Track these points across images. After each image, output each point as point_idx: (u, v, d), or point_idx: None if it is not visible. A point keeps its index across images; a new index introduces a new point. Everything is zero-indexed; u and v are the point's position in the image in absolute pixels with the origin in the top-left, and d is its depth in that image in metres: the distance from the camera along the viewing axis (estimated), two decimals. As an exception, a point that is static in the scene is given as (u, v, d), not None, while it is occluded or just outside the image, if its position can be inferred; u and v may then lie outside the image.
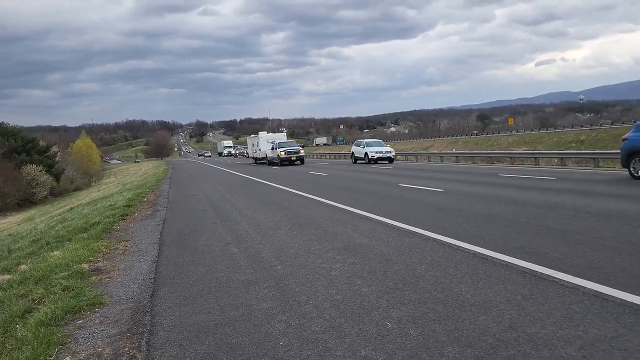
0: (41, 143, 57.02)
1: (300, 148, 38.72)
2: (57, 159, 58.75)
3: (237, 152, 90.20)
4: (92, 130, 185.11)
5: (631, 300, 3.82)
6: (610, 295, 3.97)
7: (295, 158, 36.24)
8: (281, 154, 35.71)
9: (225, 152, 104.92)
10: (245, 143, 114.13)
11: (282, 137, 43.62)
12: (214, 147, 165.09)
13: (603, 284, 4.25)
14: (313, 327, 3.82)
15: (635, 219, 7.28)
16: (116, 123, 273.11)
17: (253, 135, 50.76)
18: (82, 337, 4.12)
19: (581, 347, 3.12)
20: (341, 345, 3.45)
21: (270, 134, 46.23)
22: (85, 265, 6.42)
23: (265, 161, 40.91)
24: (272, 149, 37.85)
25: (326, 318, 4.00)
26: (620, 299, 3.88)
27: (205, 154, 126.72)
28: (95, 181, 67.71)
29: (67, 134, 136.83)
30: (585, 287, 4.21)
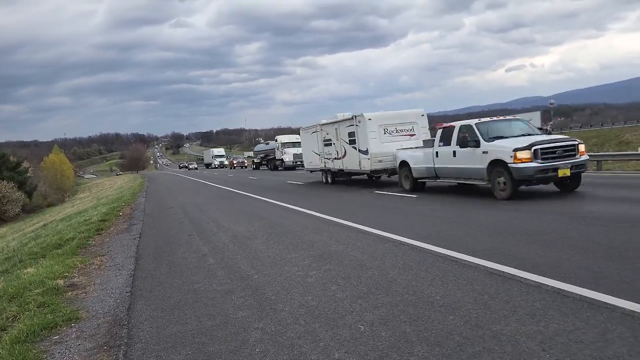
0: (11, 159, 55.72)
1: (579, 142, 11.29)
2: (28, 174, 57.49)
3: (235, 162, 70.21)
4: (64, 145, 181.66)
5: (589, 296, 4.03)
6: (571, 292, 4.18)
7: (571, 170, 10.63)
8: (522, 159, 10.40)
9: (217, 162, 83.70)
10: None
11: (420, 117, 18.25)
12: (191, 159, 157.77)
13: (565, 282, 4.46)
14: (288, 333, 3.92)
15: (599, 219, 7.59)
16: (90, 137, 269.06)
17: (326, 122, 21.45)
18: (59, 352, 4.14)
19: (542, 342, 3.30)
20: (315, 349, 3.56)
21: (392, 112, 18.64)
22: (60, 281, 6.38)
23: (395, 178, 16.66)
24: (464, 144, 12.01)
25: (301, 324, 4.10)
26: (580, 295, 4.08)
27: (190, 166, 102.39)
28: (69, 196, 66.41)
29: (38, 149, 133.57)
30: (548, 285, 4.41)
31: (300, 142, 40.04)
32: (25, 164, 60.30)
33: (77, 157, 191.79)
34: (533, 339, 3.35)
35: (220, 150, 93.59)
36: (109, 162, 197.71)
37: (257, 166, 54.67)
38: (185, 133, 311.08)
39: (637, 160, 21.88)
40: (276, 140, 44.66)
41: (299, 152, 38.72)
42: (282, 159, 42.43)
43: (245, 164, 67.83)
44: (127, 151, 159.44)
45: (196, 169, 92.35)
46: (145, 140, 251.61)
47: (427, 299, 4.38)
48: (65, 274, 6.84)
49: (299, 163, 38.28)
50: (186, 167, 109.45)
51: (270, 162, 48.19)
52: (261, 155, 54.25)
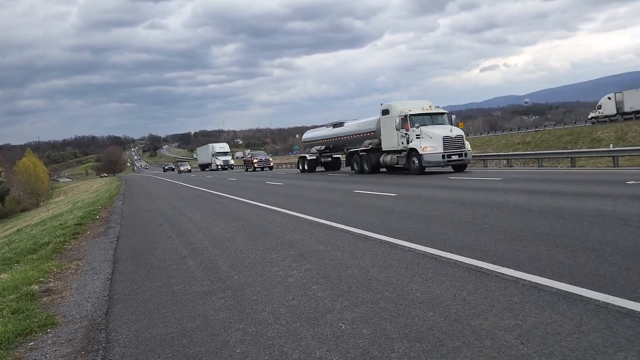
0: (-17, 163, 54.42)
1: None
2: (1, 179, 56.17)
3: (255, 160, 49.86)
4: (38, 148, 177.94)
5: (565, 289, 4.12)
6: (547, 286, 4.26)
7: None
8: None
9: (219, 162, 61.81)
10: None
11: None
12: (170, 161, 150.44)
13: (541, 276, 4.54)
14: (269, 333, 3.91)
15: (570, 214, 7.76)
16: (64, 140, 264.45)
17: None
18: (34, 359, 4.04)
19: (519, 335, 3.35)
20: (297, 349, 3.55)
21: None
22: (35, 287, 6.24)
23: None
24: None
25: (282, 323, 4.09)
26: (556, 289, 4.16)
27: (182, 168, 72.85)
28: (44, 201, 65.04)
29: (11, 153, 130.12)
30: (525, 280, 4.49)
31: (445, 112, 22.82)
32: (-3, 168, 58.93)
33: (52, 160, 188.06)
34: (511, 332, 3.40)
35: (224, 146, 67.69)
36: (85, 165, 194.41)
37: (311, 166, 33.41)
38: (162, 135, 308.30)
39: (609, 156, 22.44)
40: (386, 112, 23.63)
41: (455, 135, 21.04)
42: (415, 149, 21.33)
43: (270, 163, 51.05)
44: (103, 154, 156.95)
45: (189, 171, 68.27)
46: (122, 143, 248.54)
47: (407, 296, 4.41)
48: (40, 279, 6.69)
49: (461, 157, 21.16)
50: (173, 169, 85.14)
51: (356, 158, 27.07)
52: (319, 147, 32.69)
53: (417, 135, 21.32)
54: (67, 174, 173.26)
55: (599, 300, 3.79)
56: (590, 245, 5.60)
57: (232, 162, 62.82)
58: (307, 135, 36.69)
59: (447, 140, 20.59)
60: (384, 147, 23.78)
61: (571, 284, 4.22)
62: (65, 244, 10.01)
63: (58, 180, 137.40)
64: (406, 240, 6.71)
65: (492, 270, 4.89)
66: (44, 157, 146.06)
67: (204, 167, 69.94)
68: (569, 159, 23.79)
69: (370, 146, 25.25)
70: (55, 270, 7.36)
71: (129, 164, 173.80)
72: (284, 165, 61.38)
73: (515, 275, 4.65)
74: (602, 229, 6.48)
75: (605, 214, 7.58)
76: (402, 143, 22.09)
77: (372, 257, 6.01)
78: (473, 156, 24.54)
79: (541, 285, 4.30)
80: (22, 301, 5.58)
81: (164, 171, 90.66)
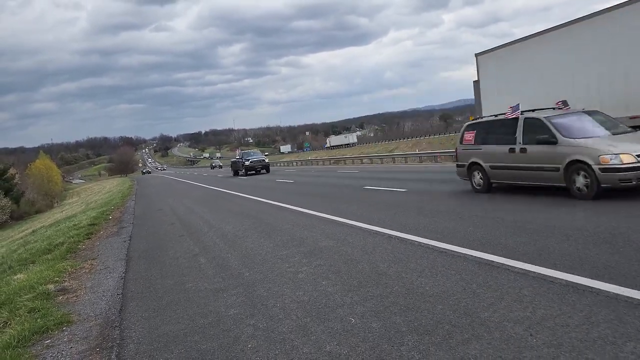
0: (-2, 166, 55.12)
1: None
2: (15, 181, 56.88)
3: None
4: (51, 150, 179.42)
5: (574, 281, 4.11)
6: (557, 278, 4.25)
7: None
8: None
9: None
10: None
11: None
12: (182, 161, 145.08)
13: (551, 268, 4.53)
14: (280, 328, 3.95)
15: (580, 206, 7.69)
16: (77, 141, 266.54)
17: None
18: (51, 356, 4.14)
19: (529, 327, 3.35)
20: (307, 343, 3.59)
21: None
22: (50, 286, 6.36)
23: None
24: None
25: (293, 319, 4.13)
26: (566, 281, 4.15)
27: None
28: (57, 202, 65.78)
29: (25, 156, 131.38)
30: (535, 272, 4.48)
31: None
32: (12, 171, 59.64)
33: (65, 162, 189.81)
34: (520, 324, 3.41)
35: None
36: (97, 166, 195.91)
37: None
38: (173, 135, 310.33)
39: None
40: None
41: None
42: None
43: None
44: (115, 155, 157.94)
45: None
46: (134, 144, 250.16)
47: (416, 290, 4.43)
48: (55, 279, 6.81)
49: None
50: (258, 170, 35.56)
51: None
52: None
53: None
54: (80, 175, 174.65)
55: (609, 292, 3.78)
56: (602, 237, 5.56)
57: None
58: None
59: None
60: None
61: (581, 276, 4.21)
62: (79, 244, 10.16)
63: (71, 182, 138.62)
64: (415, 235, 6.72)
65: (502, 263, 4.89)
66: (57, 159, 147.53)
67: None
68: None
69: None
70: (69, 269, 7.48)
71: (140, 164, 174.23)
72: (294, 164, 59.72)
73: (524, 268, 4.64)
74: (615, 222, 6.42)
75: (615, 207, 7.51)
76: None
77: (381, 252, 6.04)
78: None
79: (551, 277, 4.29)
80: (38, 300, 5.69)
81: (237, 174, 38.23)
